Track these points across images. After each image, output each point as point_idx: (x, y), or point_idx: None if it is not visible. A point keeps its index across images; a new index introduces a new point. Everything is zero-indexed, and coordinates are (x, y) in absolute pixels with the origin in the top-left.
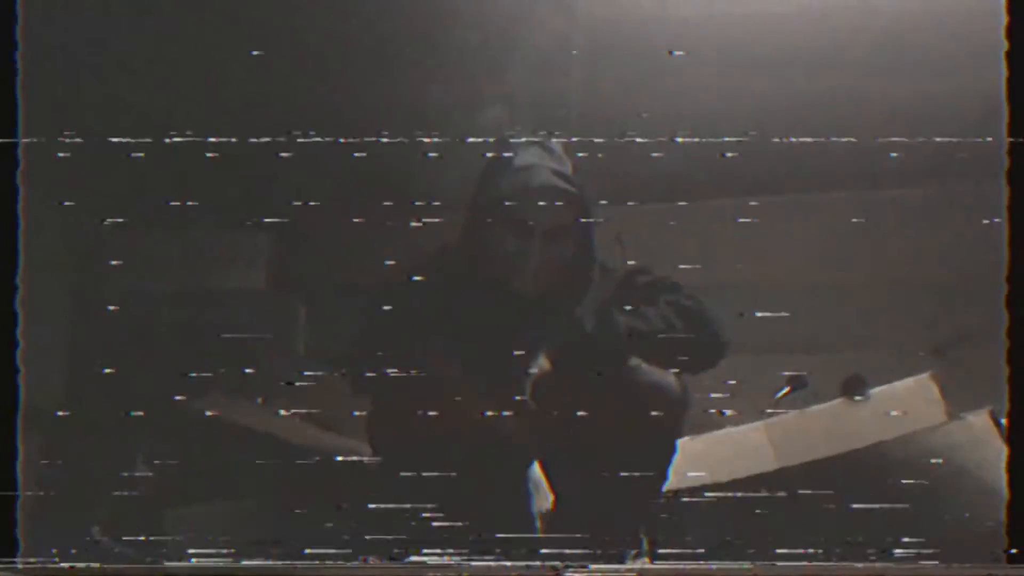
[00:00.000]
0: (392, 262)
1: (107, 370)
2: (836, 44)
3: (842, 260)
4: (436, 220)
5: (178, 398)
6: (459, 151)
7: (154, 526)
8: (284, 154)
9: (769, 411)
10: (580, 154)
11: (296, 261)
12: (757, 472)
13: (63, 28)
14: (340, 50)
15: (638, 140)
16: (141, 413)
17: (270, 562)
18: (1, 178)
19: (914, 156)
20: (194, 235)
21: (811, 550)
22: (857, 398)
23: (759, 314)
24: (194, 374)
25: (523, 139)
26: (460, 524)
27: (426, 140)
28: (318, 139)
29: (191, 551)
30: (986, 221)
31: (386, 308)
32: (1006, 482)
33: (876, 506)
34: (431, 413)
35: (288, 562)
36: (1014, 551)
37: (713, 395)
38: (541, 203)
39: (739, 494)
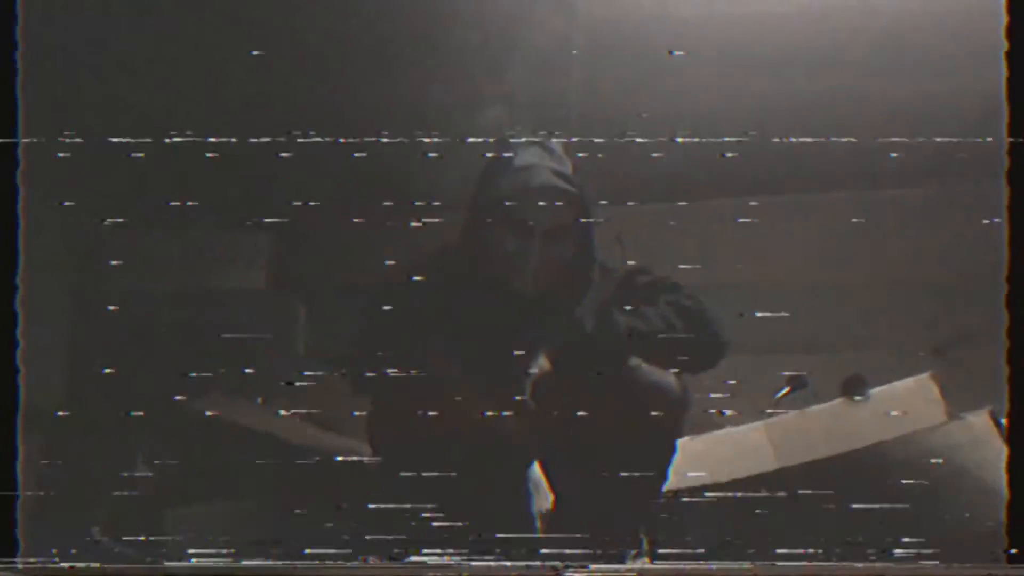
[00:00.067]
0: (392, 262)
1: (107, 370)
2: (836, 44)
3: (842, 260)
4: (436, 220)
5: (178, 398)
6: (459, 151)
7: (154, 526)
8: (284, 154)
9: (769, 411)
10: (580, 154)
11: (296, 261)
12: (757, 472)
13: (63, 28)
14: (340, 50)
15: (638, 140)
16: (141, 413)
17: (270, 562)
18: (1, 178)
19: (914, 156)
20: (194, 235)
21: (811, 550)
22: (857, 398)
23: (759, 314)
24: (194, 374)
25: (523, 139)
26: (460, 524)
27: (426, 140)
28: (318, 139)
29: (191, 551)
30: (986, 221)
31: (386, 308)
32: (1006, 482)
33: (876, 506)
34: (431, 413)
35: (288, 562)
36: (1014, 551)
37: (713, 395)
38: (541, 203)
39: (739, 494)
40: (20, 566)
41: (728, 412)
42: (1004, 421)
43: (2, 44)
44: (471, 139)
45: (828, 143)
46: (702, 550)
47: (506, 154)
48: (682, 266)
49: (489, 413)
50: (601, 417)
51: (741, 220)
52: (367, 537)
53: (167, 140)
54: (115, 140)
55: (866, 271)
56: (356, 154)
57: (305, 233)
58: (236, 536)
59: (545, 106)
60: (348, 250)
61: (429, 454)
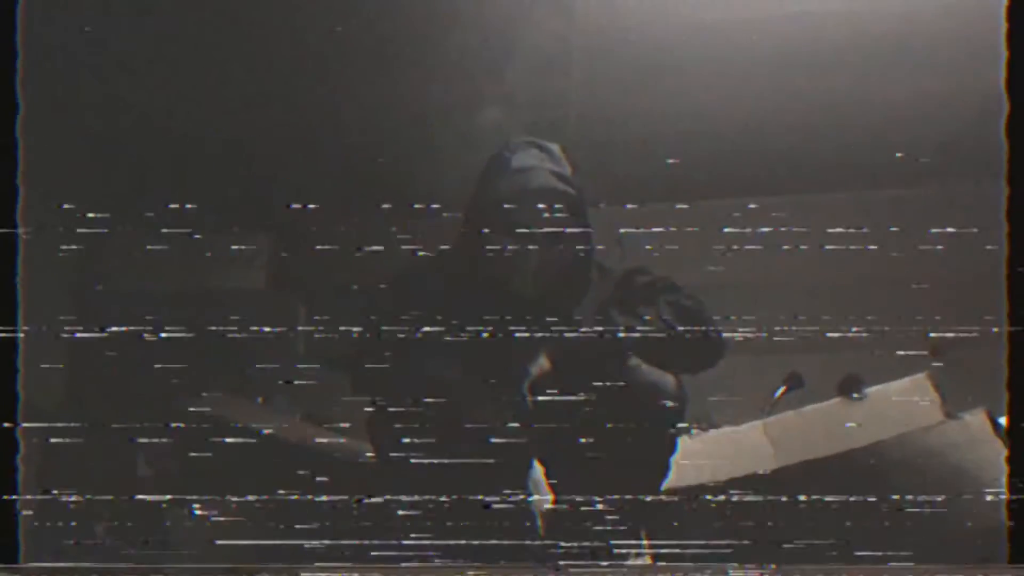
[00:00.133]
0: (392, 262)
1: (107, 370)
2: (836, 46)
3: (841, 260)
4: (436, 221)
5: (178, 398)
6: (459, 152)
7: (155, 525)
8: (284, 154)
9: (767, 410)
10: (578, 155)
11: (296, 261)
12: (756, 471)
13: (63, 28)
14: (340, 50)
15: (637, 141)
16: (141, 413)
17: (269, 565)
18: (1, 178)
19: (914, 156)
20: (194, 235)
21: (809, 550)
22: (854, 397)
23: (758, 313)
24: (194, 374)
25: (522, 140)
26: (460, 524)
27: (426, 140)
28: (318, 139)
29: (191, 550)
30: (986, 221)
31: (386, 308)
32: (1006, 482)
33: (873, 506)
34: (431, 413)
35: (287, 566)
36: (1014, 551)
37: (712, 394)
38: (540, 205)
39: (738, 493)
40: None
41: (727, 411)
42: (1004, 420)
43: (2, 44)
44: (471, 140)
45: (828, 143)
46: (701, 549)
47: (505, 155)
48: (681, 266)
49: (489, 413)
50: (600, 416)
51: (740, 220)
52: (367, 537)
53: (167, 141)
54: (115, 140)
55: (865, 271)
56: (356, 154)
57: (305, 233)
58: (236, 536)
59: (544, 107)
60: (348, 250)
61: (429, 454)
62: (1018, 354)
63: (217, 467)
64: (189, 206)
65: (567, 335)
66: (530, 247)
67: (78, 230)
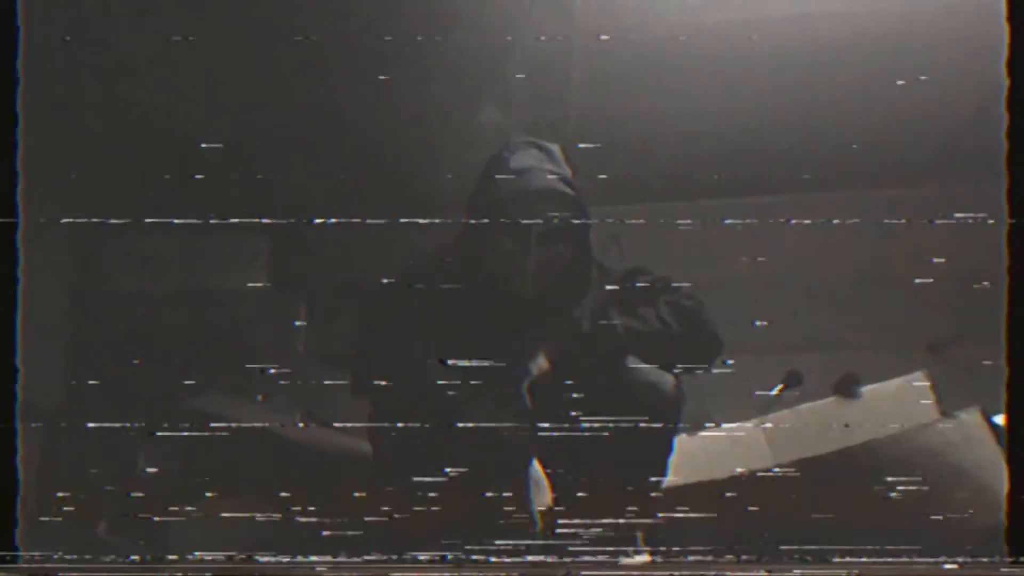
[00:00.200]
0: (392, 262)
1: (107, 370)
2: (835, 46)
3: (841, 260)
4: (436, 221)
5: (178, 397)
6: (459, 152)
7: (156, 524)
8: (284, 154)
9: (764, 408)
10: (578, 153)
11: (296, 261)
12: (753, 469)
13: (63, 28)
14: (340, 50)
15: (636, 141)
16: (141, 413)
17: (270, 561)
18: (1, 178)
19: (914, 156)
20: (194, 235)
21: (808, 548)
22: (850, 396)
23: (756, 314)
24: (194, 373)
25: (521, 141)
26: (460, 523)
27: (426, 140)
28: (318, 139)
29: (191, 549)
30: (986, 221)
31: (385, 308)
32: (1006, 482)
33: (870, 505)
34: (431, 412)
35: (288, 562)
36: (1015, 550)
37: (710, 393)
38: (539, 205)
39: (735, 492)
40: (21, 566)
41: (725, 410)
42: (1002, 419)
43: (2, 44)
44: (470, 141)
45: (828, 143)
46: (697, 547)
47: (504, 156)
48: (679, 266)
49: (488, 412)
50: (598, 415)
51: (740, 220)
52: (367, 536)
53: (167, 140)
54: (115, 140)
55: (865, 270)
56: (356, 155)
57: (305, 233)
58: (236, 535)
59: (543, 107)
60: (348, 250)
61: (429, 453)
62: (1018, 354)
63: (217, 466)
64: (189, 206)
65: (566, 335)
66: (529, 248)
67: (78, 230)
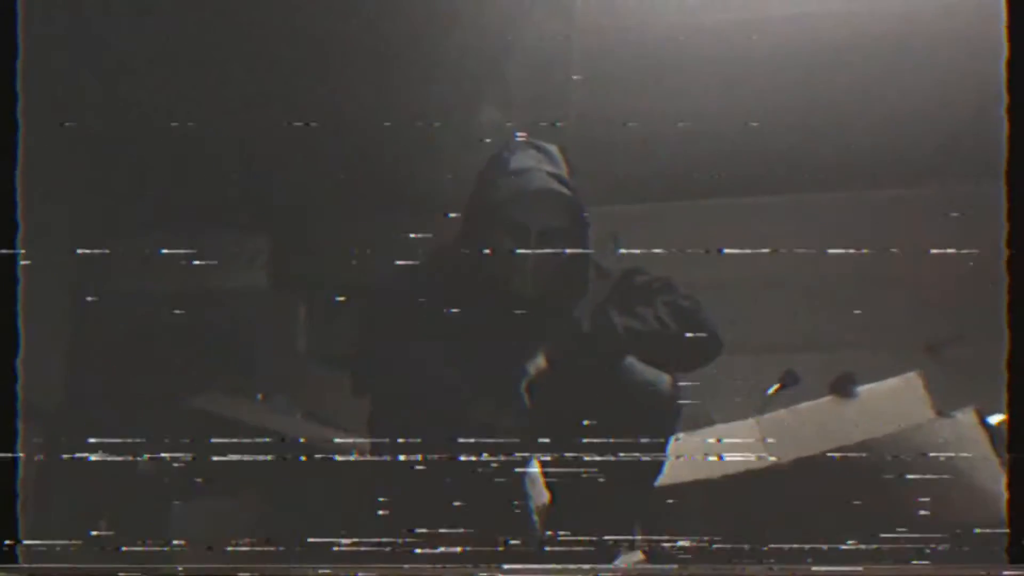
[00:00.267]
0: (391, 262)
1: (107, 370)
2: (835, 46)
3: (840, 259)
4: (435, 221)
5: (178, 397)
6: (459, 152)
7: (156, 524)
8: (284, 154)
9: (761, 407)
10: (576, 154)
11: (296, 261)
12: (749, 468)
13: (64, 27)
14: (340, 50)
15: (636, 141)
16: (141, 413)
17: (270, 562)
18: (1, 179)
19: (914, 156)
20: (194, 235)
21: (807, 548)
22: (846, 395)
23: (756, 313)
24: (194, 373)
25: (520, 141)
26: (459, 522)
27: (426, 140)
28: (318, 139)
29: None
30: (985, 221)
31: (385, 308)
32: (1005, 482)
33: (866, 503)
34: (430, 411)
35: (288, 564)
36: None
37: (708, 393)
38: (538, 206)
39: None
40: (21, 565)
41: (722, 409)
42: (993, 419)
43: (2, 45)
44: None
45: (828, 143)
46: (693, 544)
47: (503, 156)
48: (679, 266)
49: (487, 411)
50: (596, 414)
51: (739, 220)
52: (367, 536)
53: (167, 141)
54: (115, 140)
55: (864, 270)
56: (356, 155)
57: (305, 233)
58: (236, 535)
59: (543, 107)
60: (348, 250)
61: (429, 452)
62: (1017, 354)
63: (217, 465)
64: (189, 206)
65: (565, 335)
66: (527, 248)
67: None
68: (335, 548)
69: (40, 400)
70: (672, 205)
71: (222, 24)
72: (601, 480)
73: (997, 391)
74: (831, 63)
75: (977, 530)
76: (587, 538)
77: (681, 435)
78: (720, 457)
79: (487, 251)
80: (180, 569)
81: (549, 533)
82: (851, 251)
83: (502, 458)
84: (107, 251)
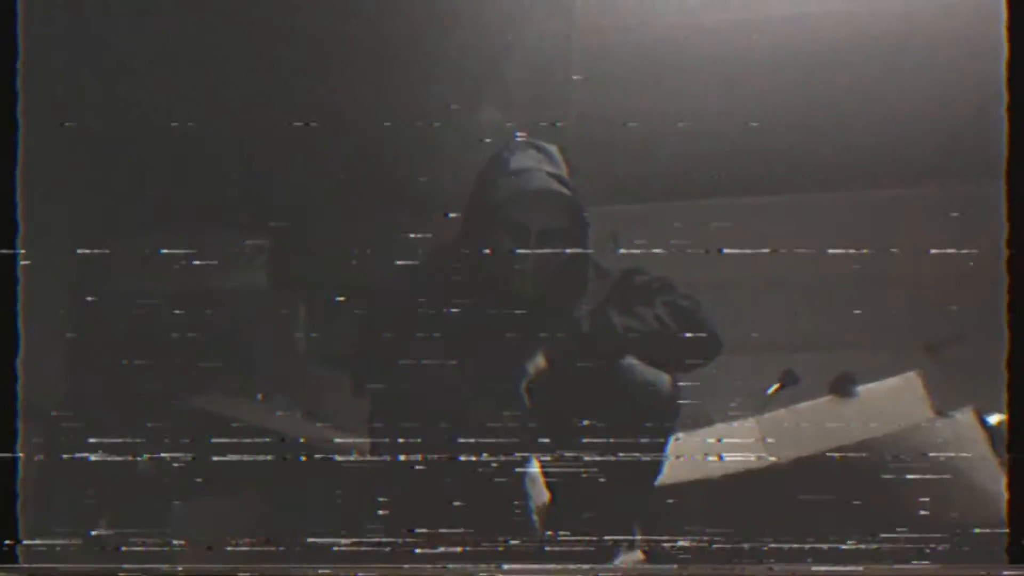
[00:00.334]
0: (391, 262)
1: (107, 370)
2: (835, 46)
3: (840, 259)
4: (435, 221)
5: (178, 397)
6: (459, 152)
7: (156, 524)
8: (284, 154)
9: (761, 407)
10: (576, 154)
11: (296, 261)
12: (749, 468)
13: (64, 27)
14: (340, 50)
15: (636, 141)
16: (141, 412)
17: (270, 557)
18: (1, 179)
19: (914, 156)
20: (194, 235)
21: (807, 548)
22: (846, 395)
23: (756, 313)
24: (194, 373)
25: (520, 141)
26: (459, 522)
27: (426, 140)
28: (318, 139)
29: (192, 550)
30: (984, 221)
31: (385, 308)
32: (1005, 483)
33: (866, 503)
34: (430, 411)
35: (288, 565)
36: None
37: (707, 392)
38: (537, 206)
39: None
40: (21, 565)
41: (721, 409)
42: (992, 419)
43: (2, 45)
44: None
45: (828, 143)
46: (690, 544)
47: (503, 156)
48: (678, 266)
49: (487, 411)
50: (596, 414)
51: (739, 220)
52: (367, 535)
53: (168, 140)
54: (115, 140)
55: (864, 270)
56: (356, 155)
57: (305, 233)
58: (236, 534)
59: (543, 107)
60: (348, 250)
61: (429, 452)
62: (1017, 354)
63: (217, 465)
64: (189, 206)
65: (565, 335)
66: (527, 248)
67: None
68: (335, 548)
69: (40, 400)
70: (672, 205)
71: (222, 24)
72: (601, 480)
73: (996, 391)
74: (831, 63)
75: (977, 530)
76: (587, 538)
77: (681, 435)
78: (720, 457)
79: (487, 251)
80: (180, 569)
81: (549, 533)
82: (851, 251)
83: (502, 458)
84: (107, 251)
